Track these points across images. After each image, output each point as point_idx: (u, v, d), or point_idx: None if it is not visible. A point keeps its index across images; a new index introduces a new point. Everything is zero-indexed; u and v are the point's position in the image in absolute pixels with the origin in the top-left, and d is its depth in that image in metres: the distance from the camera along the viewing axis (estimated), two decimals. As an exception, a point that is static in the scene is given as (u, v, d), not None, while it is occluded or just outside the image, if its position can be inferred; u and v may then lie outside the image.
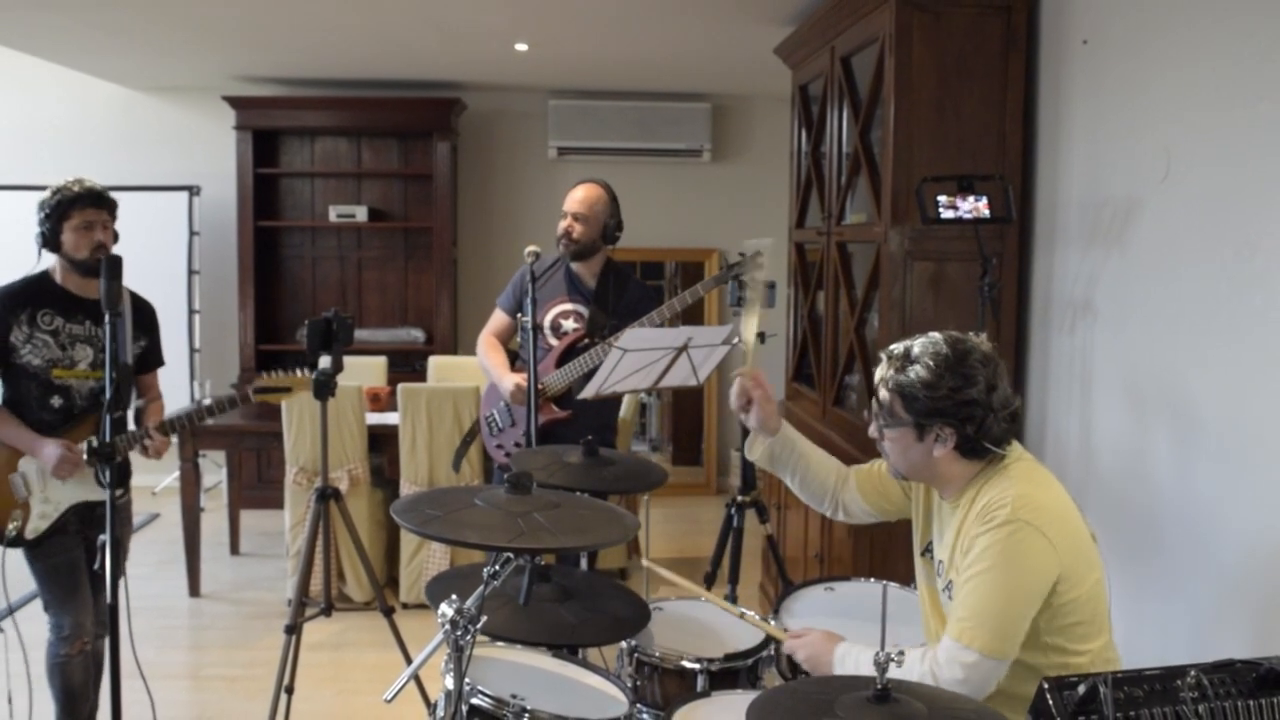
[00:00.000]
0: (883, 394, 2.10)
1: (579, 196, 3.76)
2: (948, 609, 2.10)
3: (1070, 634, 1.99)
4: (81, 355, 3.25)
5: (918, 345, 2.07)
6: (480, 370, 4.01)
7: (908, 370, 2.05)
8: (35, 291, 3.19)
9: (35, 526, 3.23)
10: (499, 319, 3.93)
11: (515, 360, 3.89)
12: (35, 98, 7.03)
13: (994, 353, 2.07)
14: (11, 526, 3.18)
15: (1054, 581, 1.95)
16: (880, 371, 2.11)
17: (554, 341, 3.75)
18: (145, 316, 3.44)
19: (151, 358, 3.49)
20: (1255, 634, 2.48)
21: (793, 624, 2.49)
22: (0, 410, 3.19)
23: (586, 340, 3.70)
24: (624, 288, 3.84)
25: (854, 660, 2.05)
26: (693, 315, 7.42)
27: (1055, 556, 1.94)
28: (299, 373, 3.37)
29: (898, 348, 2.10)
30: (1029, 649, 1.98)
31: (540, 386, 3.63)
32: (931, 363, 2.03)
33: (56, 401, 3.23)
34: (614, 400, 3.79)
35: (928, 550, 2.24)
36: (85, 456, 2.98)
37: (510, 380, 3.68)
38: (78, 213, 3.14)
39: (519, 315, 3.70)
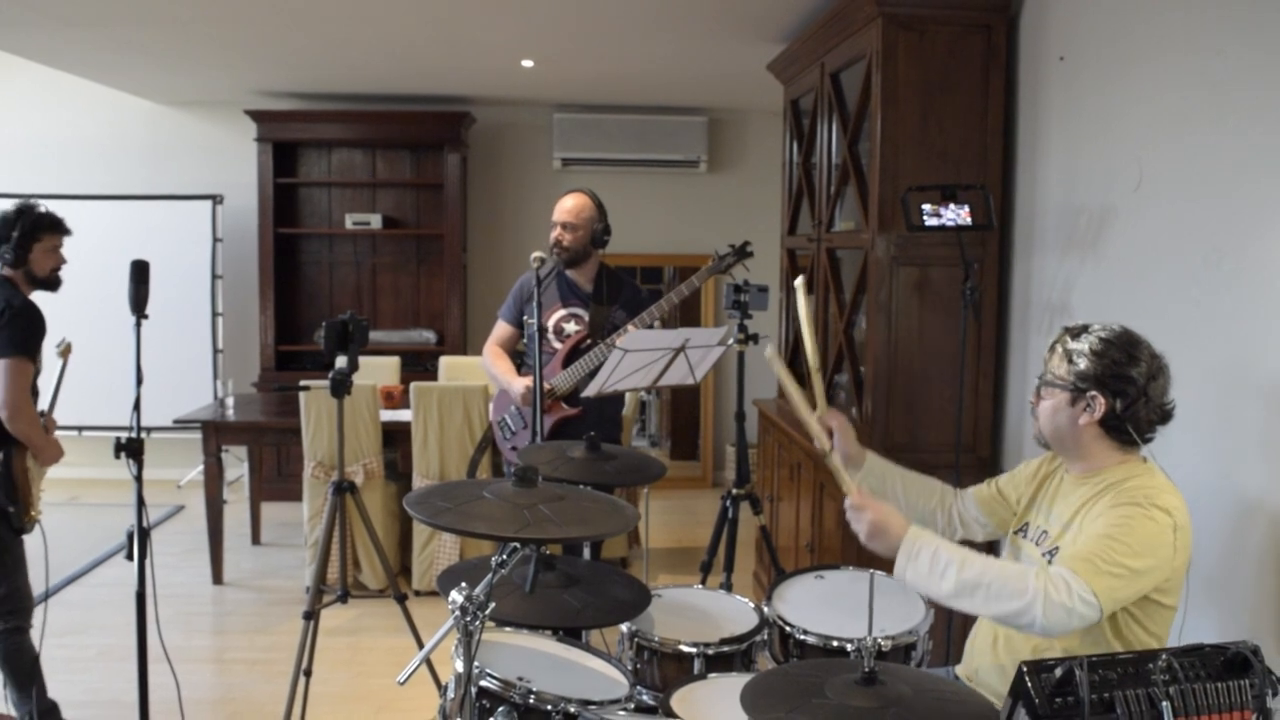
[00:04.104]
0: (1050, 356, 2.12)
1: (567, 206, 3.75)
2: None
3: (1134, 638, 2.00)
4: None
5: (1096, 324, 2.10)
6: (487, 378, 4.00)
7: (1082, 338, 2.07)
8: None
9: (38, 510, 3.39)
10: (502, 329, 3.91)
11: (521, 365, 3.88)
12: (66, 111, 7.03)
13: (1163, 357, 2.07)
14: (33, 514, 3.34)
15: (1155, 583, 1.95)
16: (1054, 338, 2.14)
17: (557, 345, 3.74)
18: None
19: None
20: (1224, 620, 2.48)
21: (786, 611, 2.50)
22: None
23: (589, 340, 3.70)
24: (619, 288, 3.83)
25: (929, 554, 1.94)
26: (690, 317, 7.43)
27: (1170, 565, 1.95)
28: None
29: (1078, 323, 2.13)
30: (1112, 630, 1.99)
31: (549, 387, 3.63)
32: (1105, 335, 2.05)
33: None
34: (619, 397, 3.79)
35: (1021, 530, 2.24)
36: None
37: (521, 384, 3.68)
38: (48, 236, 3.32)
39: (525, 319, 3.72)
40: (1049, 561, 2.08)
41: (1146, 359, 2.03)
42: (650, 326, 3.60)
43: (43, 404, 3.47)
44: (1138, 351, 2.03)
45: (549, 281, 3.81)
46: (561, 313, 3.78)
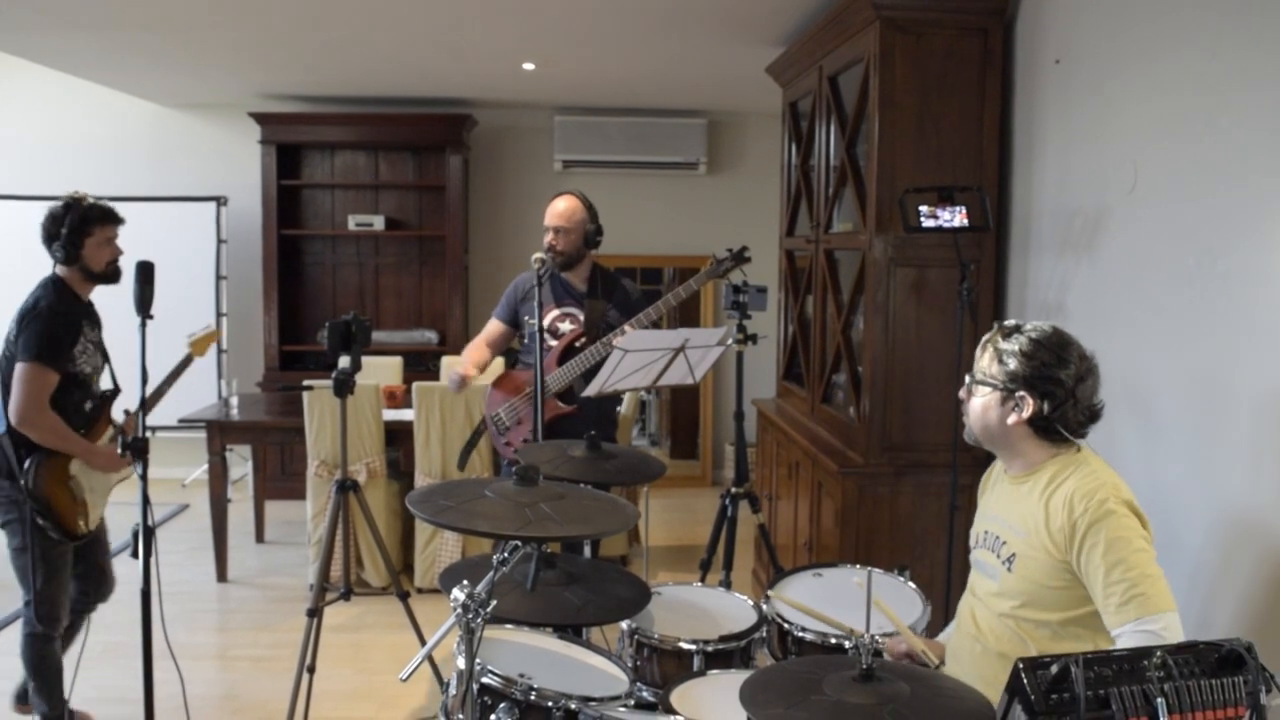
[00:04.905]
0: (981, 354, 2.13)
1: (559, 210, 3.74)
2: (994, 579, 2.10)
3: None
4: (101, 361, 3.33)
5: (1028, 324, 2.10)
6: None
7: (1013, 338, 2.07)
8: (78, 304, 3.24)
9: (94, 517, 3.31)
10: (492, 326, 3.91)
11: (515, 363, 3.87)
12: (73, 113, 7.04)
13: (1093, 357, 2.07)
14: (80, 523, 3.24)
15: None
16: (986, 336, 2.14)
17: (553, 344, 3.74)
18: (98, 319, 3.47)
19: None
20: (1213, 615, 2.48)
21: (784, 608, 2.50)
22: (66, 425, 3.16)
23: (584, 338, 3.70)
24: (613, 287, 3.83)
25: None
26: (689, 317, 7.43)
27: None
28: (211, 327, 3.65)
29: (1011, 321, 2.13)
30: (1087, 625, 1.99)
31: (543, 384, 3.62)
32: (1035, 336, 2.05)
33: (88, 405, 3.28)
34: (614, 395, 3.79)
35: (976, 543, 2.24)
36: (120, 452, 2.97)
37: (456, 369, 3.69)
38: (100, 228, 3.19)
39: (526, 319, 3.72)
40: (1008, 569, 2.07)
41: (1076, 360, 2.03)
42: (645, 328, 3.60)
43: (132, 401, 3.32)
44: (1067, 353, 2.03)
45: (543, 282, 3.80)
46: (556, 312, 3.78)
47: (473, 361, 3.84)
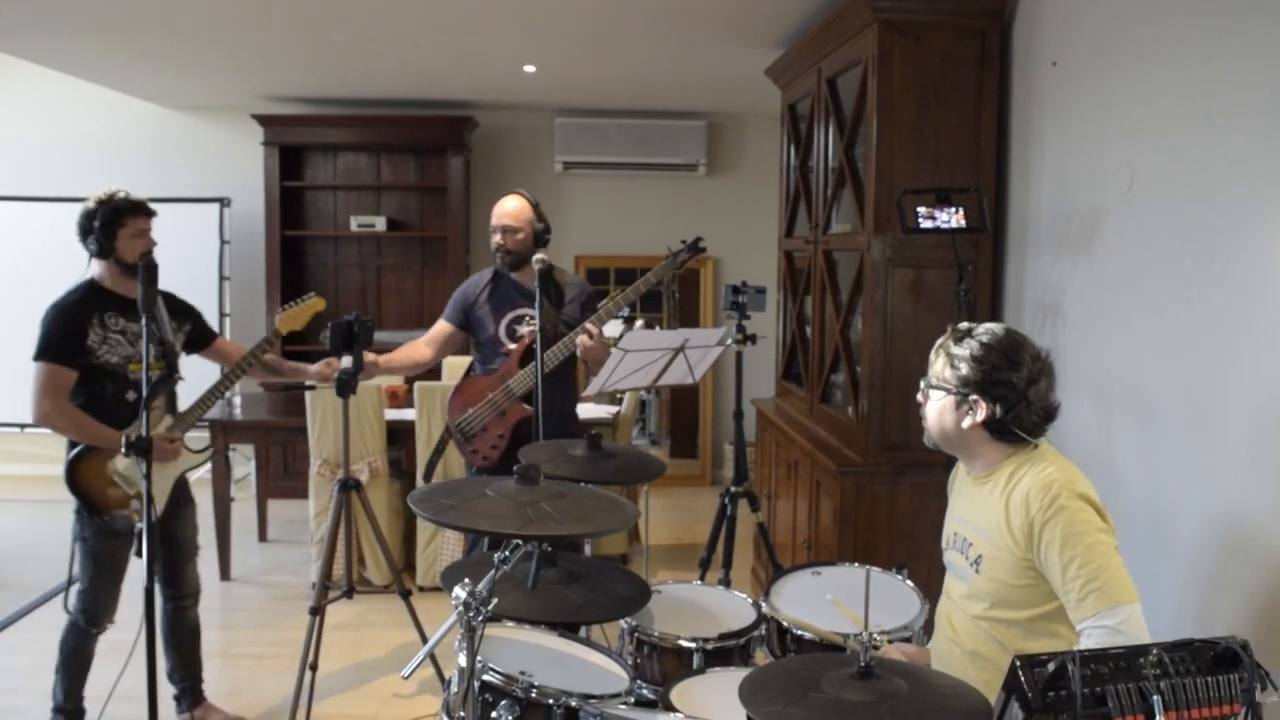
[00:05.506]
0: (935, 359, 2.12)
1: (507, 209, 3.68)
2: (965, 581, 2.11)
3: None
4: (147, 349, 3.29)
5: (980, 327, 2.09)
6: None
7: (964, 342, 2.07)
8: (96, 298, 3.25)
9: (156, 510, 3.28)
10: (438, 327, 3.83)
11: (472, 368, 3.81)
12: (76, 115, 7.04)
13: (1047, 357, 2.07)
14: (136, 518, 3.24)
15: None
16: (940, 341, 2.13)
17: (511, 346, 3.69)
18: (178, 303, 3.50)
19: (207, 331, 3.61)
20: (1210, 614, 2.48)
21: (783, 605, 2.49)
22: (88, 419, 3.17)
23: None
24: (562, 285, 3.78)
25: None
26: (689, 317, 7.42)
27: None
28: (311, 297, 3.70)
29: (963, 325, 2.12)
30: (1056, 620, 1.99)
31: (506, 386, 3.57)
32: (986, 340, 2.05)
33: (131, 395, 3.27)
34: (572, 392, 3.78)
35: (946, 543, 2.25)
36: (124, 450, 2.96)
37: (321, 364, 3.66)
38: (132, 220, 3.25)
39: (528, 318, 3.69)
40: (976, 570, 2.08)
41: (1028, 362, 2.03)
42: (602, 325, 3.55)
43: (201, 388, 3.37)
44: (1018, 356, 2.03)
45: (491, 287, 3.77)
46: (513, 314, 3.72)
47: (395, 355, 3.75)
